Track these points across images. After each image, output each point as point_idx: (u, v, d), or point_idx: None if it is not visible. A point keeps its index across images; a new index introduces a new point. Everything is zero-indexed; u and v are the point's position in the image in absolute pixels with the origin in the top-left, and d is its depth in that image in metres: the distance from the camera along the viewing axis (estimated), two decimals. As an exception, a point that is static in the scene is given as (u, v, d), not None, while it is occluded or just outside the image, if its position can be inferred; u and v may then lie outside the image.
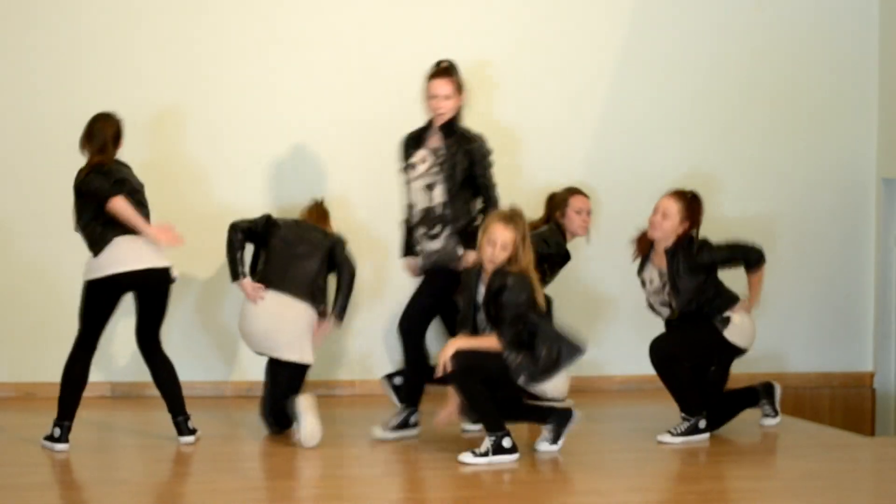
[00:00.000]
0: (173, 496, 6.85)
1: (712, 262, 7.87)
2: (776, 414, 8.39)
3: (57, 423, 7.51)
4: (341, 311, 8.02)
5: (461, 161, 7.77)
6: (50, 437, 7.52)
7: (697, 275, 7.85)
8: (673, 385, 7.95)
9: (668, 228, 7.89)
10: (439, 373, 7.31)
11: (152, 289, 7.61)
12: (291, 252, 7.98)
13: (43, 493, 6.76)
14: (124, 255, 7.48)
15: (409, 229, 8.00)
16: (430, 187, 7.82)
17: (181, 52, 9.24)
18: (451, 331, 7.96)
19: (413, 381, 7.94)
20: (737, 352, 8.01)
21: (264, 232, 8.03)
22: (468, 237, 7.75)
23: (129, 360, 8.84)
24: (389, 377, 8.47)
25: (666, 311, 8.00)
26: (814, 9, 10.03)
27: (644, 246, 8.05)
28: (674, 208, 7.90)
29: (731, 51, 9.91)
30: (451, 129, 7.82)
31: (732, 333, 7.92)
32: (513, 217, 7.40)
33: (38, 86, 9.13)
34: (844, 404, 10.08)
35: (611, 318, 9.66)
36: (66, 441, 7.50)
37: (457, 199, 7.78)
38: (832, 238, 10.12)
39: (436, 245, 7.83)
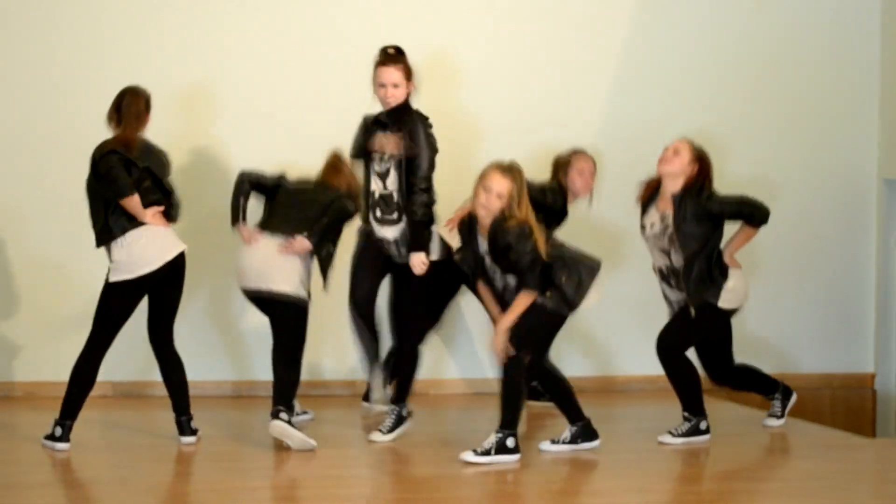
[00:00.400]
0: (174, 496, 6.85)
1: (721, 211, 7.83)
2: (782, 416, 8.38)
3: (59, 423, 7.50)
4: (316, 234, 7.74)
5: (406, 146, 7.75)
6: (51, 437, 7.51)
7: (703, 223, 7.82)
8: (677, 380, 7.94)
9: (678, 165, 7.84)
10: (499, 362, 7.35)
11: (174, 276, 7.57)
12: (293, 199, 7.89)
13: (44, 492, 6.77)
14: (151, 253, 7.42)
15: (370, 212, 7.94)
16: (384, 175, 7.83)
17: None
18: (434, 316, 8.28)
19: (407, 375, 7.92)
20: (732, 312, 8.03)
21: (273, 187, 7.98)
22: (423, 227, 7.77)
23: (131, 358, 8.83)
24: (366, 398, 8.45)
25: (664, 261, 7.95)
26: (815, 9, 10.03)
27: (650, 190, 8.03)
28: (685, 147, 7.88)
29: (730, 52, 9.89)
30: (401, 116, 7.78)
31: (725, 300, 7.90)
32: (511, 169, 7.35)
33: (41, 85, 9.13)
34: (845, 405, 10.07)
35: (613, 318, 9.65)
36: (67, 440, 7.49)
37: (410, 186, 7.76)
38: (833, 239, 10.11)
39: (396, 232, 7.83)
